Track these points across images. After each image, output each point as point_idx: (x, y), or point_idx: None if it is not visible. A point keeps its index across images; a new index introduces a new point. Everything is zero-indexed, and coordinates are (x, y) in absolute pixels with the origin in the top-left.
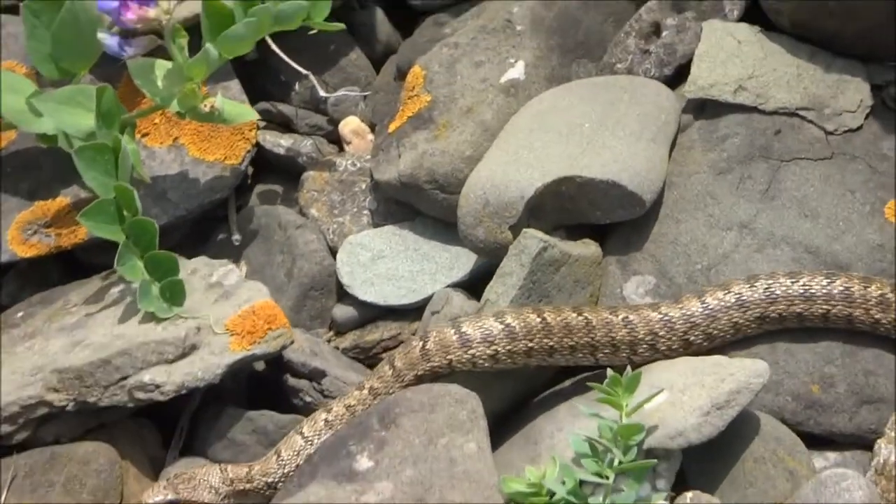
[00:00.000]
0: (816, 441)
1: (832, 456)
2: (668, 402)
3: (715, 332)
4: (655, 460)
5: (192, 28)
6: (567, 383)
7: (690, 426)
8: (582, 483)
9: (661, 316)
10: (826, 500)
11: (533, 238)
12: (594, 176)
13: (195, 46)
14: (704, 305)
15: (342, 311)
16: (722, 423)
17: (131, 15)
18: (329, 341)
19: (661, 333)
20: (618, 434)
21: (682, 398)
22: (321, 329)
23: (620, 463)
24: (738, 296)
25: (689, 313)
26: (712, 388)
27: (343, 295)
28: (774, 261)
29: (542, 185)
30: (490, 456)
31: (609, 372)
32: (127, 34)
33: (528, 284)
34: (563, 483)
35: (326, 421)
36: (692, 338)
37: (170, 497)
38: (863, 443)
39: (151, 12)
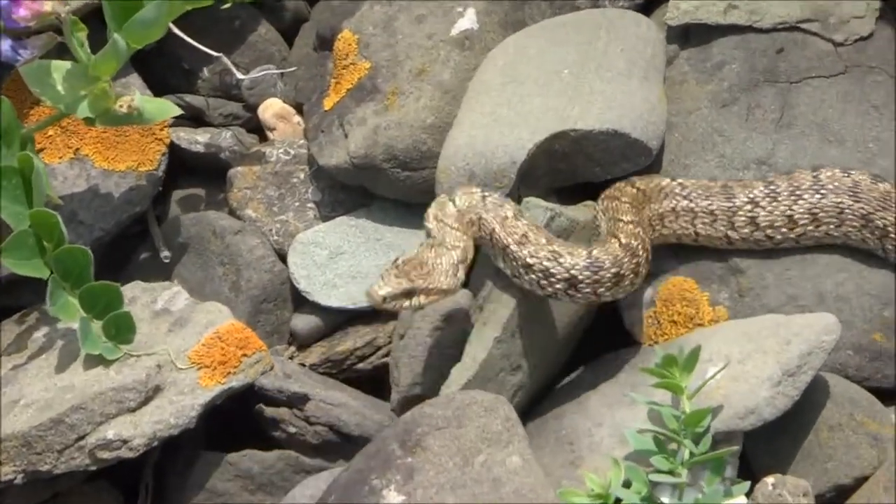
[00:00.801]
0: (888, 395)
1: None
2: (728, 376)
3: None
4: (737, 447)
5: (89, 19)
6: (586, 372)
7: (763, 401)
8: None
9: None
10: None
11: (538, 207)
12: (591, 127)
13: (96, 41)
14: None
15: (303, 322)
16: (796, 393)
17: (24, 11)
18: (292, 358)
19: None
20: (686, 422)
21: (743, 369)
22: (279, 346)
23: (693, 456)
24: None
25: None
26: (778, 352)
27: (301, 303)
28: None
29: (534, 145)
30: (538, 468)
31: (657, 350)
32: (19, 35)
33: None
34: (631, 488)
35: None
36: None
37: (404, 286)
38: None
39: (47, 5)
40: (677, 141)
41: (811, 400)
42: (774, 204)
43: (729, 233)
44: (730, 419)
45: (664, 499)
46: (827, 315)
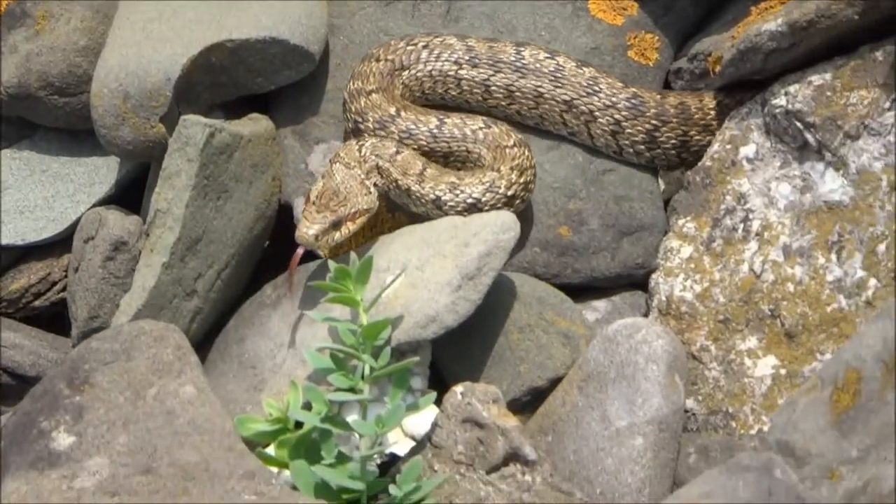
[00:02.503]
0: (578, 292)
1: (601, 305)
2: (406, 284)
3: None
4: (417, 358)
5: None
6: (268, 290)
7: (443, 307)
8: (331, 403)
9: None
10: (622, 360)
11: (196, 125)
12: (247, 36)
13: None
14: None
15: None
16: (478, 296)
17: None
18: None
19: None
20: (363, 336)
21: (422, 276)
22: None
23: (373, 371)
24: None
25: None
26: (457, 255)
27: None
28: None
29: (188, 59)
30: (214, 396)
31: (330, 264)
32: None
33: (202, 182)
34: (312, 409)
35: None
36: None
37: (330, 218)
38: (632, 281)
39: None
40: (343, 44)
41: (498, 301)
42: (473, 72)
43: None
44: (411, 329)
45: (350, 417)
46: (504, 213)
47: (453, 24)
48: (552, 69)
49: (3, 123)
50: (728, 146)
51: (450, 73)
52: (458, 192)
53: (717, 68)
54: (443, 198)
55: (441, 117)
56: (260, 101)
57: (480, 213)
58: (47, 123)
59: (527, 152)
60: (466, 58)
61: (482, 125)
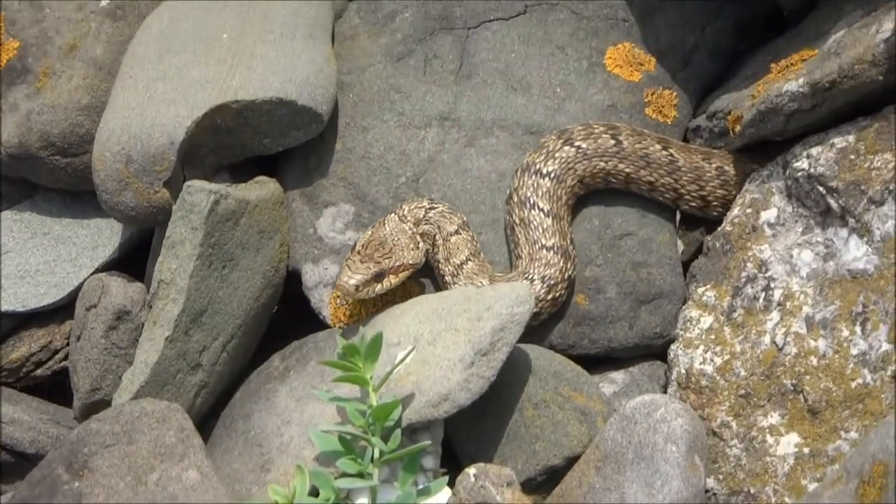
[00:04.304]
0: (594, 362)
1: (618, 377)
2: (418, 360)
3: None
4: (429, 442)
5: None
6: (276, 360)
7: (455, 385)
8: (339, 489)
9: None
10: (640, 440)
11: (200, 191)
12: (254, 97)
13: None
14: None
15: None
16: (491, 373)
17: None
18: None
19: None
20: (373, 417)
21: (434, 352)
22: None
23: (383, 454)
24: None
25: None
26: (470, 330)
27: None
28: (492, 152)
29: (193, 122)
30: (218, 482)
31: (338, 340)
32: None
33: (207, 251)
34: (319, 496)
35: None
36: None
37: (373, 270)
38: (651, 352)
39: None
40: (352, 102)
41: (512, 375)
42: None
43: None
44: (423, 408)
45: (359, 502)
46: (518, 284)
47: (466, 80)
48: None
49: (3, 184)
50: (749, 210)
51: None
52: None
53: (737, 128)
54: None
55: None
56: (267, 162)
57: (494, 285)
58: (49, 184)
59: (563, 262)
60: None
61: None
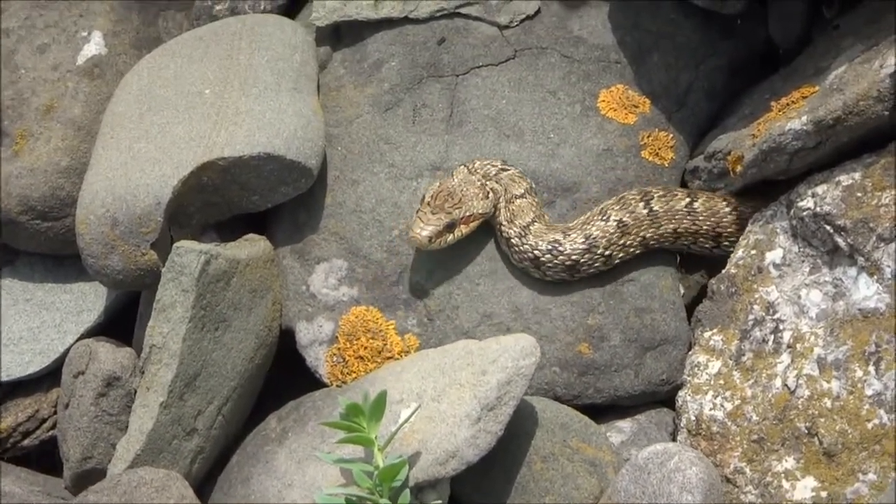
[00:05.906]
0: (600, 411)
1: (626, 426)
2: (423, 417)
3: None
4: (439, 502)
5: None
6: (272, 422)
7: (462, 442)
8: None
9: None
10: (654, 490)
11: (190, 252)
12: (241, 153)
13: None
14: None
15: None
16: (499, 428)
17: None
18: None
19: None
20: (379, 479)
21: (439, 408)
22: None
23: None
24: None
25: None
26: (475, 384)
27: None
28: None
29: (179, 181)
30: None
31: (341, 400)
32: None
33: (199, 313)
34: None
35: None
36: None
37: (444, 220)
38: (657, 399)
39: None
40: (341, 154)
41: (520, 429)
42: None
43: None
44: (430, 466)
45: None
46: (523, 336)
47: (456, 128)
48: None
49: None
50: (753, 251)
51: None
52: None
53: (738, 168)
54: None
55: None
56: (255, 218)
57: (498, 338)
58: (30, 249)
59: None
60: None
61: None
